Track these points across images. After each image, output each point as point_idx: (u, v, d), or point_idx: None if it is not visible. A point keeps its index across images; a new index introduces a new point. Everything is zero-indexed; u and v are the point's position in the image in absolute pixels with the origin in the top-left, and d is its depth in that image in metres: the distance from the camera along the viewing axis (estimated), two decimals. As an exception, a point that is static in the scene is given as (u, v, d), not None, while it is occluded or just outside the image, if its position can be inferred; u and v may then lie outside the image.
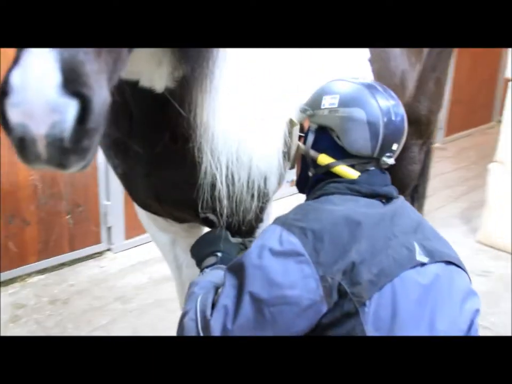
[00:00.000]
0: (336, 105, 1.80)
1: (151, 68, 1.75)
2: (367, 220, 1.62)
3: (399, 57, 2.83)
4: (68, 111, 1.15)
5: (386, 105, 1.77)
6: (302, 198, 2.01)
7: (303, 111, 1.93)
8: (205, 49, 1.70)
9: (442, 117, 7.34)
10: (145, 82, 1.80)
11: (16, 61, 1.16)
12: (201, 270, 2.01)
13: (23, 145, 1.18)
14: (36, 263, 4.07)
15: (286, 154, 2.09)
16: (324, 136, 1.84)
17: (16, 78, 1.14)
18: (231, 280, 1.62)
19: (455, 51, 6.98)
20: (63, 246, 4.19)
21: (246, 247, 2.14)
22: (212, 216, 2.16)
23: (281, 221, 1.64)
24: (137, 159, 2.06)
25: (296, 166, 2.06)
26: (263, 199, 2.23)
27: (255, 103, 2.04)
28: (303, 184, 1.97)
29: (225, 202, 2.05)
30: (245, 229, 2.26)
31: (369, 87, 1.82)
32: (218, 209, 2.09)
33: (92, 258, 4.36)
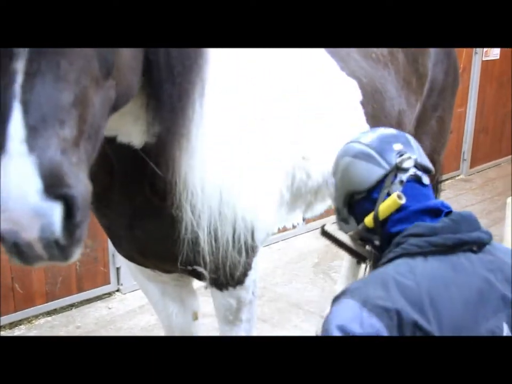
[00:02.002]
0: (333, 180, 1.89)
1: (127, 125, 1.74)
2: (455, 297, 1.50)
3: (396, 98, 2.77)
4: (54, 214, 1.16)
5: (357, 135, 1.86)
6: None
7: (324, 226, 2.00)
8: (180, 111, 1.69)
9: (467, 147, 7.22)
10: (123, 138, 1.79)
11: None
12: None
13: (20, 250, 1.19)
14: (43, 304, 4.06)
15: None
16: (356, 207, 1.82)
17: None
18: None
19: (478, 79, 6.90)
20: (71, 287, 4.17)
21: None
22: (199, 269, 2.12)
23: (360, 298, 1.50)
24: (119, 212, 2.04)
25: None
26: (252, 253, 2.19)
27: (238, 145, 2.02)
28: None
29: (207, 258, 2.01)
30: (233, 280, 2.22)
31: (343, 147, 1.89)
32: (202, 265, 2.05)
33: (100, 299, 4.34)
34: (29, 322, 4.00)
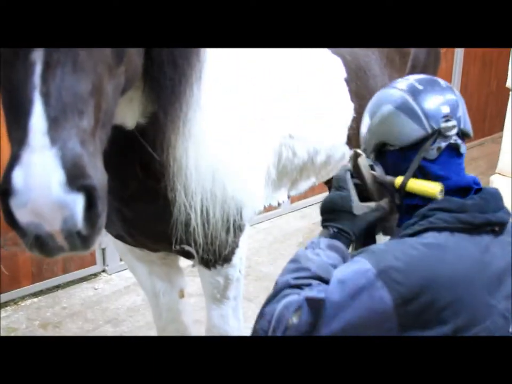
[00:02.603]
0: (369, 121, 1.73)
1: (121, 105, 1.72)
2: (476, 280, 1.48)
3: (379, 76, 2.79)
4: (76, 206, 1.18)
5: (406, 83, 1.68)
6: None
7: (359, 153, 1.75)
8: (178, 94, 1.69)
9: (450, 127, 7.25)
10: (116, 120, 1.77)
11: (15, 159, 1.16)
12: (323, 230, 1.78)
13: (42, 242, 1.21)
14: (29, 286, 4.06)
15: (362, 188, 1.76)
16: (382, 156, 1.71)
17: (18, 178, 1.14)
18: (308, 317, 1.46)
19: (462, 59, 6.92)
20: (57, 268, 4.17)
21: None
22: (187, 248, 2.13)
23: (378, 265, 1.45)
24: (110, 194, 2.03)
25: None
26: (239, 231, 2.21)
27: (232, 127, 2.03)
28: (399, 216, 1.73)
29: (198, 239, 2.02)
30: (221, 259, 2.23)
31: (387, 86, 1.78)
32: (192, 245, 2.06)
33: (86, 280, 4.34)
34: (15, 303, 4.00)
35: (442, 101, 1.64)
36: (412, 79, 1.70)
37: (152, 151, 1.78)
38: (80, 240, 1.22)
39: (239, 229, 2.19)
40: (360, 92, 2.67)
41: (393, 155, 1.67)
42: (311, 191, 2.74)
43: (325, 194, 5.12)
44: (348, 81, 2.61)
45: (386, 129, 1.66)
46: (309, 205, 5.60)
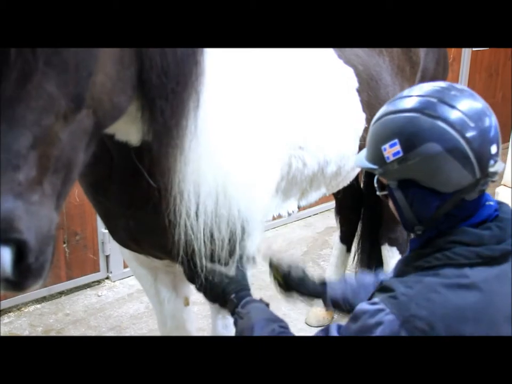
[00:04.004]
0: (401, 153, 1.47)
1: (125, 124, 1.71)
2: (499, 314, 1.44)
3: (390, 86, 2.77)
4: (4, 257, 1.22)
5: (456, 116, 1.43)
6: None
7: (372, 171, 1.59)
8: (173, 124, 1.66)
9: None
10: (121, 137, 1.79)
11: None
12: (233, 313, 1.89)
13: None
14: (33, 292, 4.01)
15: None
16: (412, 189, 1.51)
17: None
18: None
19: (468, 69, 6.91)
20: (61, 274, 4.15)
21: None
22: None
23: (402, 315, 1.40)
24: (116, 202, 2.03)
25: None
26: (244, 238, 2.18)
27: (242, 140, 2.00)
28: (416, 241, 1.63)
29: (204, 251, 2.00)
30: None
31: (424, 107, 1.46)
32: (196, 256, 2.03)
33: (90, 287, 4.33)
34: (18, 309, 3.99)
35: (491, 140, 1.46)
36: (460, 107, 1.45)
37: (149, 179, 1.79)
38: (12, 284, 1.28)
39: (246, 236, 2.15)
40: (372, 102, 2.65)
41: (423, 191, 1.50)
42: (316, 201, 2.73)
43: (330, 203, 5.15)
44: (359, 91, 2.59)
45: (428, 171, 1.46)
46: (314, 214, 5.60)
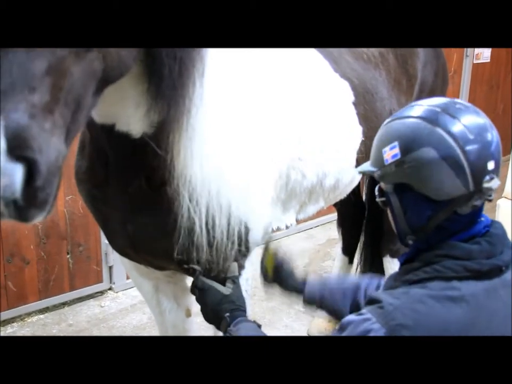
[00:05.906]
0: (399, 156, 1.51)
1: (128, 110, 1.76)
2: (484, 329, 1.45)
3: (386, 99, 2.81)
4: (15, 175, 1.20)
5: (457, 128, 1.47)
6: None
7: (371, 173, 1.63)
8: (180, 87, 1.71)
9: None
10: (121, 127, 1.81)
11: None
12: (225, 332, 1.91)
13: None
14: (36, 302, 4.07)
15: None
16: (406, 194, 1.55)
17: None
18: None
19: (469, 82, 6.94)
20: (64, 285, 4.18)
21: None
22: (193, 266, 2.13)
23: (388, 326, 1.42)
24: (113, 206, 2.06)
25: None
26: (244, 246, 2.21)
27: (240, 136, 2.05)
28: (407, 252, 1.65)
29: (205, 248, 2.03)
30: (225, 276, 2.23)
31: (427, 115, 1.51)
32: (195, 256, 2.06)
33: (93, 298, 4.35)
34: (21, 320, 4.01)
35: (490, 156, 1.48)
36: (462, 119, 1.48)
37: (156, 148, 1.80)
38: (17, 210, 1.26)
39: (245, 243, 2.18)
40: (368, 115, 2.69)
41: (416, 198, 1.53)
42: (317, 213, 2.76)
43: (331, 215, 5.16)
44: (355, 104, 2.63)
45: (422, 176, 1.49)
46: (315, 226, 5.62)
